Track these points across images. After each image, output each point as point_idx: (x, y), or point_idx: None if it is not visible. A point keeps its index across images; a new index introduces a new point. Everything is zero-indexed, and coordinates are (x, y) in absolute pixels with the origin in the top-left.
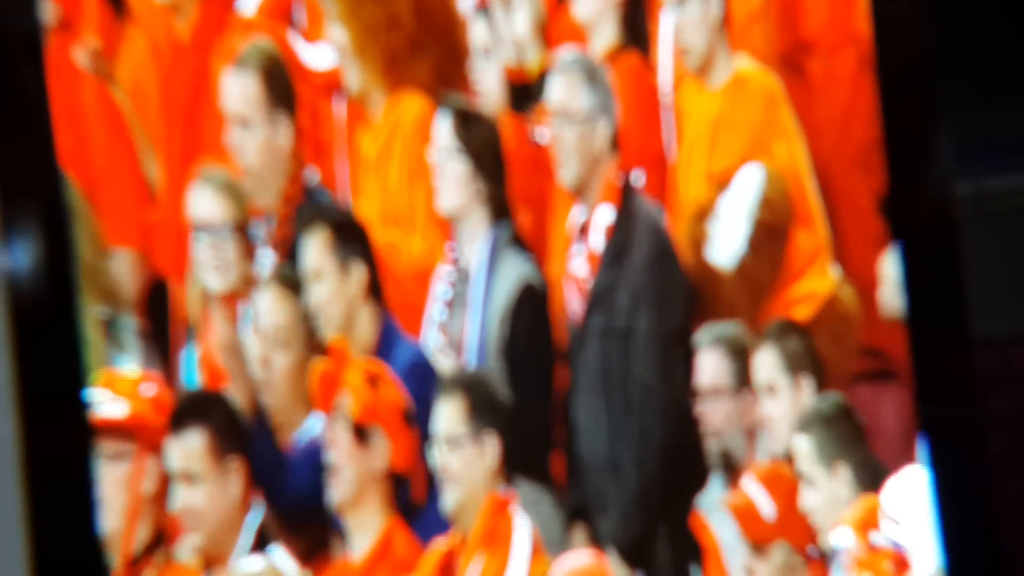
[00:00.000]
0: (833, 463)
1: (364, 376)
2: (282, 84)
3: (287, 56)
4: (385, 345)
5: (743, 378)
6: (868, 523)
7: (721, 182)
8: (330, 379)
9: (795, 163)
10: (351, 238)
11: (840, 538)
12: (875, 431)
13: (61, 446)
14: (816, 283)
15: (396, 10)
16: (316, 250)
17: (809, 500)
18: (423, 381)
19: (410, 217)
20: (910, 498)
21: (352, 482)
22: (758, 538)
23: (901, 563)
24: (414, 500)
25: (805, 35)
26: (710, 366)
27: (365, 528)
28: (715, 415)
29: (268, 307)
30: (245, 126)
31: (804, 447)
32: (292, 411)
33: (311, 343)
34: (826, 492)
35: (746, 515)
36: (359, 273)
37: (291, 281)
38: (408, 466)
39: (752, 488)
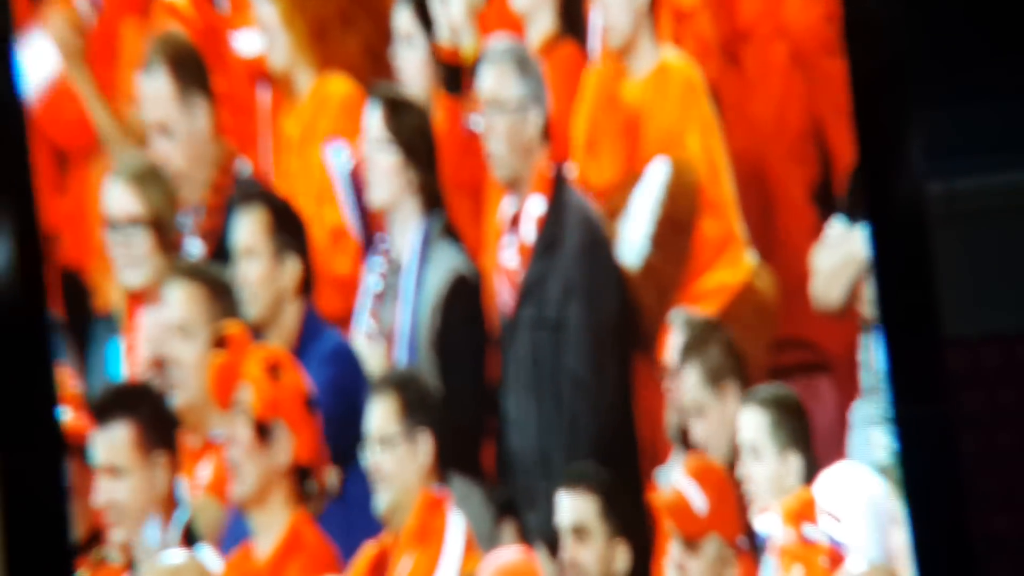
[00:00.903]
0: (785, 447)
1: (264, 366)
2: (194, 70)
3: (206, 41)
4: (307, 337)
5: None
6: (802, 515)
7: (634, 177)
8: (228, 372)
9: (710, 153)
10: (289, 228)
11: (767, 525)
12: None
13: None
14: (727, 274)
15: None
16: (251, 228)
17: (751, 471)
18: (345, 366)
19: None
20: (845, 494)
21: (254, 480)
22: (690, 533)
23: (836, 558)
24: (319, 490)
25: (741, 25)
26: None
27: (270, 525)
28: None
29: (174, 299)
30: (164, 132)
31: (759, 420)
32: (206, 407)
33: (211, 336)
34: (771, 471)
35: (678, 510)
36: (293, 267)
37: (195, 271)
38: (312, 457)
39: (683, 482)
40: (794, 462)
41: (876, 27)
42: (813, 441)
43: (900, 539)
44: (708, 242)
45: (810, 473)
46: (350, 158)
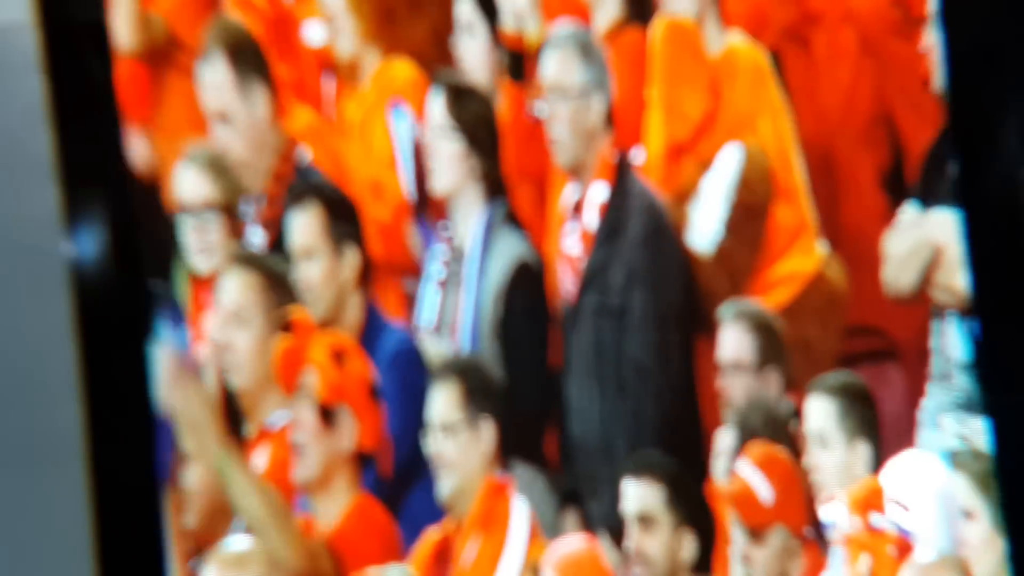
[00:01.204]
0: (853, 436)
1: (329, 352)
2: (253, 57)
3: (275, 31)
4: (371, 331)
5: (765, 355)
6: (869, 504)
7: (705, 162)
8: (294, 357)
9: (780, 140)
10: (345, 218)
11: (834, 514)
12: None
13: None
14: (799, 262)
15: None
16: (308, 227)
17: (819, 460)
18: (410, 367)
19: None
20: (914, 483)
21: (318, 464)
22: (756, 523)
23: (904, 548)
24: (381, 477)
25: (811, 8)
26: (732, 341)
27: (333, 508)
28: (736, 389)
29: (231, 286)
30: (224, 120)
31: (828, 408)
32: (260, 393)
33: (275, 321)
34: (839, 459)
35: (744, 501)
36: (352, 257)
37: (252, 260)
38: (376, 444)
39: (748, 472)
40: (862, 450)
41: (973, 10)
42: (881, 429)
43: (970, 530)
44: (781, 229)
45: (878, 462)
46: (413, 123)
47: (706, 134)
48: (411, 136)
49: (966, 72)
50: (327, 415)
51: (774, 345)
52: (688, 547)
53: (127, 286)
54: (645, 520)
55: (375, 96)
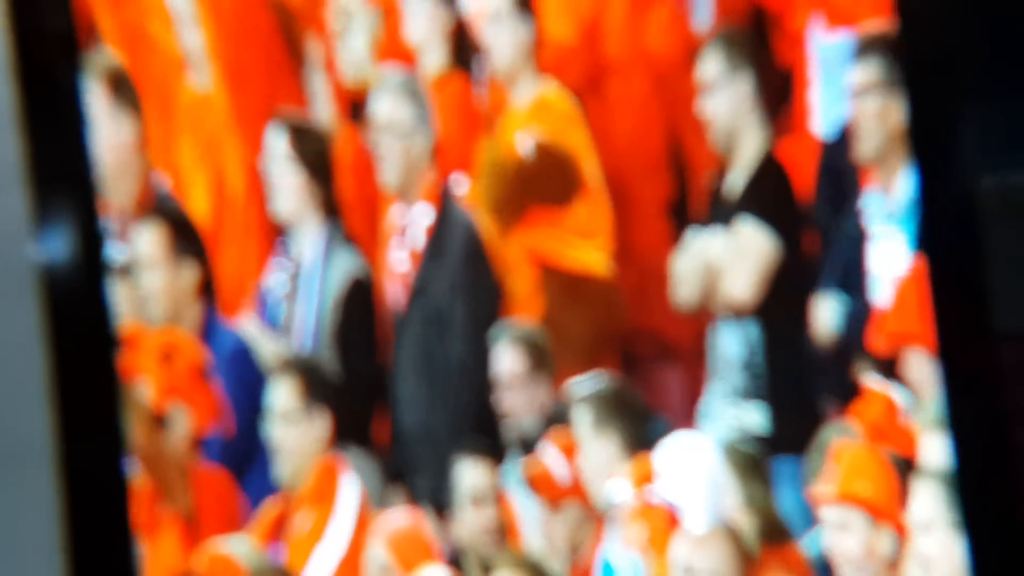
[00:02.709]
0: (605, 430)
1: (158, 354)
2: (126, 89)
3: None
4: (209, 335)
5: (535, 364)
6: (646, 479)
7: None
8: (130, 371)
9: (588, 175)
10: (187, 237)
11: (617, 491)
12: (662, 404)
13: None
14: (586, 255)
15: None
16: (152, 242)
17: (584, 463)
18: (245, 364)
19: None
20: (687, 462)
21: (155, 476)
22: (553, 498)
23: (671, 519)
24: (225, 441)
25: (606, 58)
26: (505, 358)
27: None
28: (511, 399)
29: None
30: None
31: (584, 414)
32: None
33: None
34: (596, 455)
35: (542, 480)
36: (191, 271)
37: None
38: (213, 423)
39: (549, 453)
40: (615, 439)
41: (929, 18)
42: (664, 417)
43: (732, 505)
44: (578, 218)
45: (648, 444)
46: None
47: None
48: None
49: (924, 77)
50: (160, 421)
51: (542, 356)
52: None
53: (97, 290)
54: (475, 496)
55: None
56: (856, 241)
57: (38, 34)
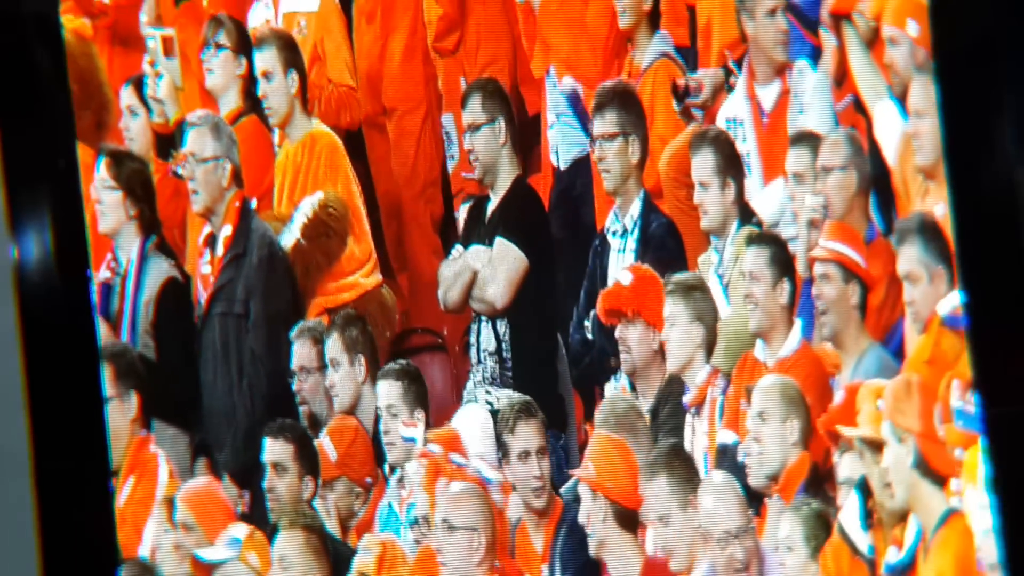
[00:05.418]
0: (414, 407)
1: None
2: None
3: None
4: None
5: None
6: (450, 444)
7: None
8: None
9: (350, 199)
10: None
11: (410, 434)
12: (433, 388)
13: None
14: (361, 280)
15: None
16: None
17: (389, 426)
18: None
19: None
20: (467, 427)
21: None
22: (325, 477)
23: (465, 477)
24: None
25: (385, 103)
26: (301, 351)
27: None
28: (307, 387)
29: None
30: None
31: (392, 387)
32: None
33: None
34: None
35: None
36: None
37: None
38: None
39: (324, 440)
40: (420, 416)
41: (964, 8)
42: (434, 399)
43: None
44: (351, 258)
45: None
46: None
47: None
48: None
49: (960, 71)
50: None
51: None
52: (308, 488)
53: (72, 288)
54: (277, 467)
55: None
56: (597, 254)
57: (17, 20)
